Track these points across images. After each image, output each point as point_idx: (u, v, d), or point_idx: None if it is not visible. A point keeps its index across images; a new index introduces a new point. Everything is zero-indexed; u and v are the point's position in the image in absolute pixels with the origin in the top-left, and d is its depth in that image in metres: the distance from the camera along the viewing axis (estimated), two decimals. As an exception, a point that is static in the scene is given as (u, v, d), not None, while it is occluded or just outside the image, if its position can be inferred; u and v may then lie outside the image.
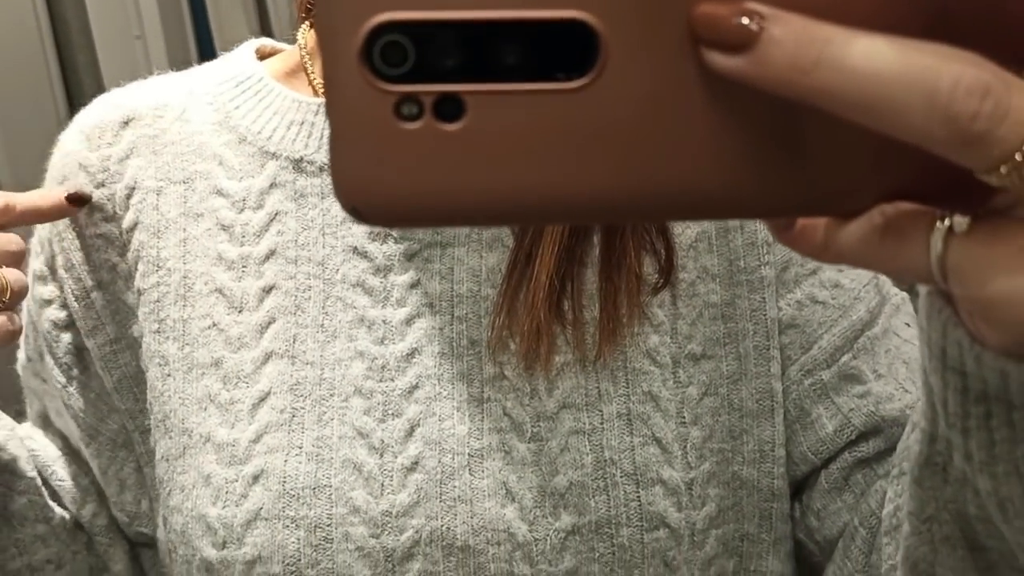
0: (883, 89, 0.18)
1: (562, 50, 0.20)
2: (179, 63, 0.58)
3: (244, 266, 0.45)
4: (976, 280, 0.21)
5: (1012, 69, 0.19)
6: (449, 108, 0.19)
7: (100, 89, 1.46)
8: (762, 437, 0.43)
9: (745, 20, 0.19)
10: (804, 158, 0.20)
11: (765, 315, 0.43)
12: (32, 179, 0.57)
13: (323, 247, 0.44)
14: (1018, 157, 0.19)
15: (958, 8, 0.19)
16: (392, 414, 0.42)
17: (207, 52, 1.90)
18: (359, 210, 0.20)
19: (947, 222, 0.21)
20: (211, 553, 0.42)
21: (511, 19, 0.19)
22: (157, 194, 0.47)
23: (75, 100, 1.44)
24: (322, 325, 0.44)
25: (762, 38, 0.19)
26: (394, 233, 0.43)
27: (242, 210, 0.45)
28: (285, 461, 0.42)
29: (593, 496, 0.41)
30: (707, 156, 0.20)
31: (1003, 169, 0.19)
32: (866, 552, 0.41)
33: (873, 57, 0.19)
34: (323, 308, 0.44)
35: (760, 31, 0.19)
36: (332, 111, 0.20)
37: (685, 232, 0.43)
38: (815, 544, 0.45)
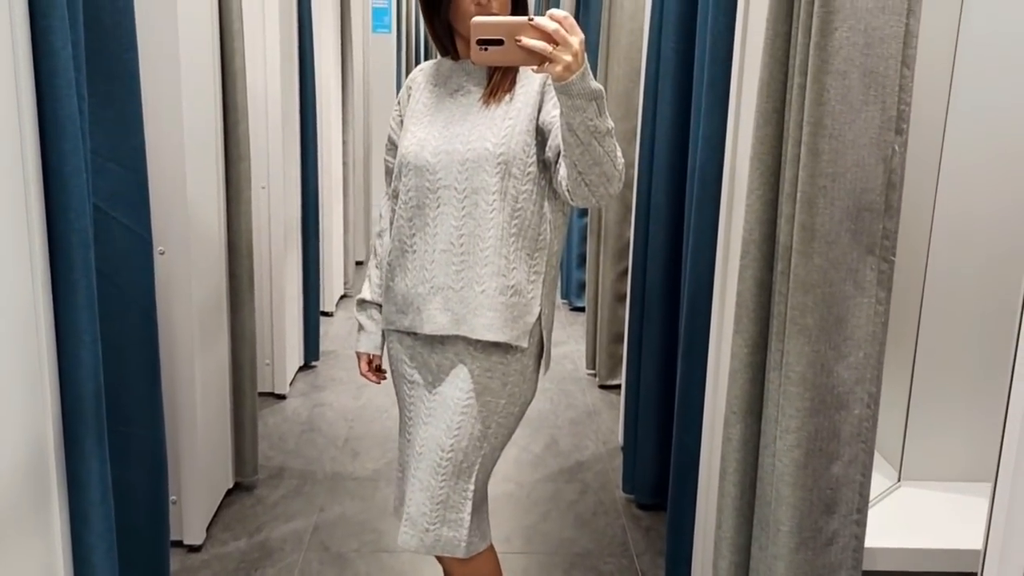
0: (538, 48, 1.27)
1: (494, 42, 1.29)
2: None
3: (424, 102, 1.67)
4: (550, 74, 1.28)
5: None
6: (485, 46, 1.28)
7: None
8: (526, 129, 1.55)
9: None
10: (531, 54, 1.26)
11: (534, 99, 1.56)
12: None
13: (443, 91, 1.65)
14: (551, 60, 1.27)
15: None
16: (448, 126, 1.60)
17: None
18: (473, 62, 1.31)
19: (546, 66, 1.28)
20: (405, 155, 1.61)
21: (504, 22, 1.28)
22: (416, 90, 1.70)
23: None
24: (440, 112, 1.63)
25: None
26: (464, 84, 1.63)
27: (425, 92, 1.68)
28: (417, 143, 1.61)
29: (473, 143, 1.55)
30: (520, 52, 1.27)
31: (548, 64, 1.28)
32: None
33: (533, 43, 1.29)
34: (441, 107, 1.63)
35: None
36: (473, 42, 1.28)
37: (520, 73, 1.61)
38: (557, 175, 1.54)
